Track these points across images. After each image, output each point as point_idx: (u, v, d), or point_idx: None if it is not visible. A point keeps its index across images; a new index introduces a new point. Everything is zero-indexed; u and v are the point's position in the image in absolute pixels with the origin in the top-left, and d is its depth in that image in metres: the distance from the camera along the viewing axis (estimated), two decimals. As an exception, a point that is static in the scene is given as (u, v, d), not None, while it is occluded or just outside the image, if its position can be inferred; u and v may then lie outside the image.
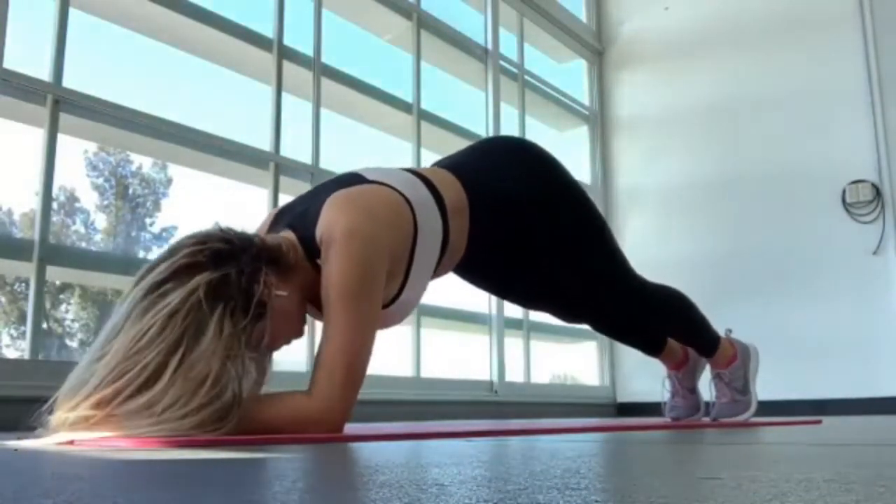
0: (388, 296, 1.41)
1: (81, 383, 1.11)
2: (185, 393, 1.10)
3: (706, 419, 2.25)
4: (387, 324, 1.48)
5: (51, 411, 1.12)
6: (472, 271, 1.80)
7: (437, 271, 1.57)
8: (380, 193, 1.41)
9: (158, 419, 1.08)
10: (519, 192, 1.66)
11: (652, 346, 2.23)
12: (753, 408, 2.20)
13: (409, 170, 1.57)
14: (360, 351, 1.30)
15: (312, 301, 1.38)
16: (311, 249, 1.33)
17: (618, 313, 1.99)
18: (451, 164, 1.66)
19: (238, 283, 1.18)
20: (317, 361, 1.29)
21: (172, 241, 1.27)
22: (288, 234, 1.36)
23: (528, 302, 2.09)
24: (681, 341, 2.19)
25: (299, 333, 1.39)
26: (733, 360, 2.19)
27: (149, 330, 1.11)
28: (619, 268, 1.86)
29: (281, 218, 1.46)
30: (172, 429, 1.08)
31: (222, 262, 1.19)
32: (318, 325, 1.38)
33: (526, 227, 1.68)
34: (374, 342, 1.34)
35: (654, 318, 2.03)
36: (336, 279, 1.28)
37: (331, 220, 1.32)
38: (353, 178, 1.46)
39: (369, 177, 1.46)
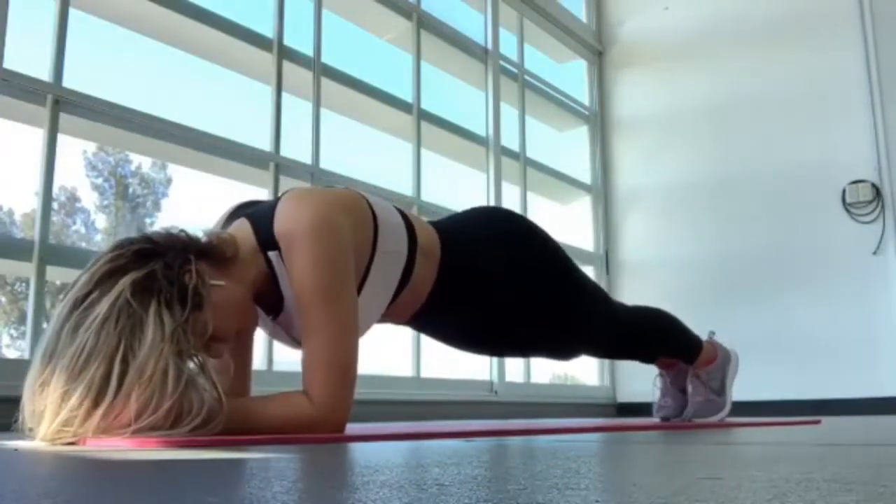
0: None
1: (38, 416, 1.08)
2: (152, 395, 1.07)
3: (679, 419, 2.26)
4: None
5: (26, 427, 1.10)
6: (437, 323, 1.73)
7: (390, 310, 1.51)
8: (339, 191, 1.40)
9: (148, 424, 1.07)
10: (492, 248, 1.65)
11: (643, 360, 2.27)
12: (727, 409, 2.23)
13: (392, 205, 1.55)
14: (349, 347, 1.29)
15: (256, 301, 1.34)
16: (268, 242, 1.30)
17: (605, 344, 2.04)
18: (434, 221, 1.67)
19: (166, 276, 1.14)
20: (307, 363, 1.27)
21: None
22: (232, 230, 1.33)
23: (516, 352, 2.12)
24: (663, 355, 2.22)
25: (251, 324, 1.36)
26: (712, 361, 2.22)
27: (85, 345, 1.06)
28: (599, 308, 1.88)
29: (237, 212, 1.42)
30: (171, 433, 1.08)
31: (145, 261, 1.15)
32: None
33: (499, 282, 1.65)
34: (358, 335, 1.32)
35: (639, 341, 2.07)
36: (308, 279, 1.26)
37: (290, 214, 1.30)
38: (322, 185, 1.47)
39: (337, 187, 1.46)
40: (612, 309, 1.96)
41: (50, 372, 1.07)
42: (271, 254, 1.30)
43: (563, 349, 1.96)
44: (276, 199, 1.36)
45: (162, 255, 1.17)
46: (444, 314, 1.62)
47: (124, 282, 1.11)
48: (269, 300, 1.34)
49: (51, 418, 1.07)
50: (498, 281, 1.65)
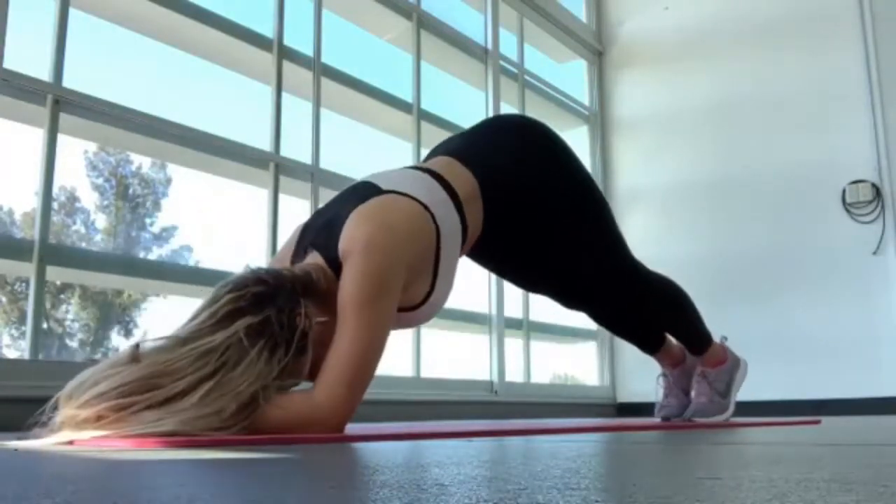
0: (419, 296, 1.45)
1: (93, 383, 1.12)
2: (204, 403, 1.13)
3: (681, 419, 2.25)
4: (419, 321, 1.53)
5: (55, 408, 1.12)
6: (480, 251, 1.80)
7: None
8: (398, 205, 1.43)
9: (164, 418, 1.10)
10: (524, 171, 1.68)
11: (649, 341, 2.22)
12: (730, 412, 2.21)
13: (417, 167, 1.57)
14: (368, 355, 1.31)
15: None
16: (337, 269, 1.36)
17: (614, 295, 1.98)
18: (457, 150, 1.66)
19: (280, 322, 1.22)
20: (324, 365, 1.30)
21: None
22: (316, 260, 1.39)
23: (528, 281, 2.07)
24: (672, 333, 2.18)
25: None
26: (722, 363, 2.20)
27: (184, 359, 1.14)
28: (618, 246, 1.88)
29: (305, 234, 1.49)
30: (177, 423, 1.09)
31: (262, 305, 1.23)
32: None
33: (532, 203, 1.69)
34: (382, 348, 1.35)
35: (649, 303, 2.02)
36: (349, 289, 1.31)
37: (351, 236, 1.35)
38: (368, 190, 1.47)
39: (384, 186, 1.46)
40: (633, 258, 1.94)
41: (133, 364, 1.13)
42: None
43: (577, 284, 1.94)
44: (342, 217, 1.40)
45: (274, 298, 1.24)
46: (490, 238, 1.66)
47: (240, 324, 1.20)
48: None
49: (103, 389, 1.10)
50: (533, 199, 1.68)
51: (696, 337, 2.15)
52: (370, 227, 1.35)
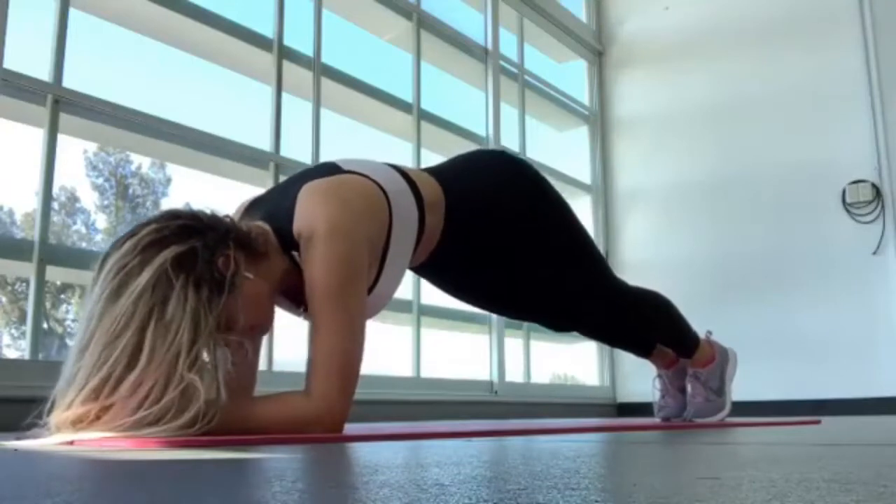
0: None
1: (72, 377, 1.12)
2: (165, 371, 1.09)
3: (680, 420, 2.26)
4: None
5: (51, 411, 1.12)
6: (444, 272, 1.78)
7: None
8: (355, 183, 1.40)
9: (149, 412, 1.08)
10: (496, 195, 1.67)
11: (642, 349, 2.25)
12: (727, 409, 2.21)
13: (388, 164, 1.56)
14: (354, 349, 1.30)
15: (285, 294, 1.38)
16: (288, 242, 1.32)
17: (599, 318, 2.00)
18: (432, 167, 1.69)
19: (204, 257, 1.18)
20: (311, 363, 1.28)
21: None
22: (261, 224, 1.35)
23: (513, 310, 2.05)
24: (661, 342, 2.21)
25: (268, 323, 1.37)
26: (711, 361, 2.21)
27: (124, 313, 1.11)
28: (599, 274, 1.87)
29: (253, 208, 1.43)
30: (164, 430, 1.08)
31: (188, 236, 1.18)
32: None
33: (501, 229, 1.67)
34: (364, 338, 1.33)
35: (633, 320, 2.04)
36: (321, 280, 1.28)
37: (309, 214, 1.31)
38: (328, 168, 1.45)
39: (345, 167, 1.45)
40: (614, 278, 1.94)
41: (90, 335, 1.12)
42: (295, 253, 1.33)
43: (559, 311, 1.92)
44: (292, 193, 1.36)
45: (203, 233, 1.20)
46: (451, 259, 1.65)
47: (166, 254, 1.15)
48: (299, 294, 1.36)
49: (82, 381, 1.10)
50: (500, 225, 1.67)
51: (682, 343, 2.17)
52: (329, 209, 1.31)
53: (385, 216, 1.41)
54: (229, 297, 1.19)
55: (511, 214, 1.68)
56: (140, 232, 1.18)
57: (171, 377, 1.10)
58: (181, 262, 1.15)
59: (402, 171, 1.53)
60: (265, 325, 1.38)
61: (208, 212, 1.27)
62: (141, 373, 1.09)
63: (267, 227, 1.34)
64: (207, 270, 1.17)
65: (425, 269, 1.74)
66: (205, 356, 1.15)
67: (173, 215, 1.22)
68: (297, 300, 1.39)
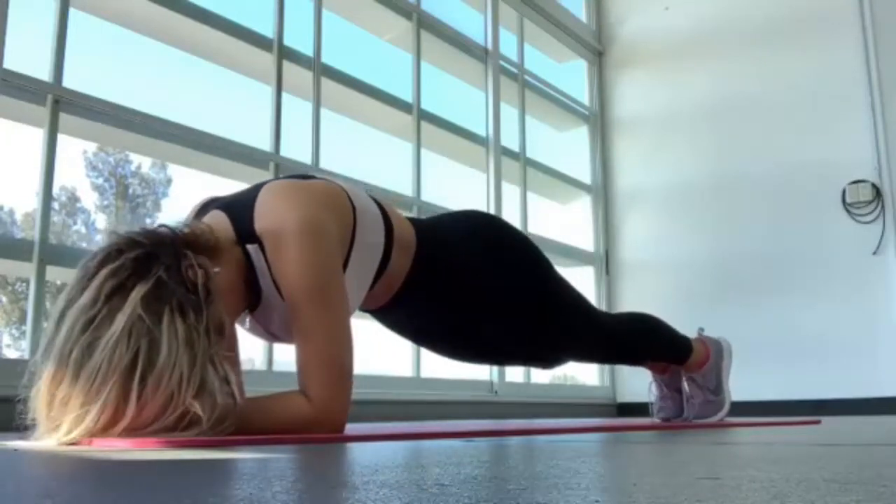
0: None
1: (50, 431, 1.08)
2: (167, 402, 1.06)
3: (681, 419, 2.26)
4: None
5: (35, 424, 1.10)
6: (407, 318, 1.72)
7: (365, 300, 1.52)
8: (318, 183, 1.38)
9: (160, 427, 1.07)
10: (469, 249, 1.65)
11: (635, 363, 2.28)
12: (726, 407, 2.21)
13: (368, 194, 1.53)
14: (344, 346, 1.29)
15: (242, 288, 1.32)
16: (245, 234, 1.28)
17: (592, 351, 2.05)
18: (412, 218, 1.66)
19: (172, 279, 1.11)
20: (302, 365, 1.27)
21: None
22: (208, 220, 1.30)
23: (480, 356, 2.00)
24: (653, 359, 2.22)
25: (246, 304, 1.34)
26: (706, 362, 2.21)
27: (101, 364, 1.04)
28: (577, 315, 1.86)
29: (209, 205, 1.39)
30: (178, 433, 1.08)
31: (146, 269, 1.10)
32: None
33: (472, 280, 1.64)
34: (351, 333, 1.31)
35: (625, 348, 2.08)
36: (300, 281, 1.25)
37: (275, 211, 1.27)
38: (296, 176, 1.45)
39: (318, 176, 1.45)
40: (595, 317, 1.94)
41: (69, 388, 1.06)
42: (250, 247, 1.28)
43: (541, 355, 1.92)
44: (254, 191, 1.34)
45: (157, 257, 1.12)
46: (415, 307, 1.61)
47: (134, 297, 1.07)
48: (246, 294, 1.32)
49: (68, 430, 1.06)
50: (471, 277, 1.64)
51: (674, 354, 2.18)
52: (298, 203, 1.27)
53: (349, 221, 1.37)
54: (212, 306, 1.14)
55: (482, 264, 1.66)
56: (96, 277, 1.09)
57: (177, 400, 1.07)
58: (155, 297, 1.08)
59: (377, 201, 1.50)
60: (244, 307, 1.35)
61: (142, 231, 1.18)
62: (134, 416, 1.06)
63: (206, 223, 1.27)
64: (181, 291, 1.11)
65: (384, 314, 1.67)
66: (210, 375, 1.11)
67: (118, 249, 1.12)
68: (239, 306, 1.33)
